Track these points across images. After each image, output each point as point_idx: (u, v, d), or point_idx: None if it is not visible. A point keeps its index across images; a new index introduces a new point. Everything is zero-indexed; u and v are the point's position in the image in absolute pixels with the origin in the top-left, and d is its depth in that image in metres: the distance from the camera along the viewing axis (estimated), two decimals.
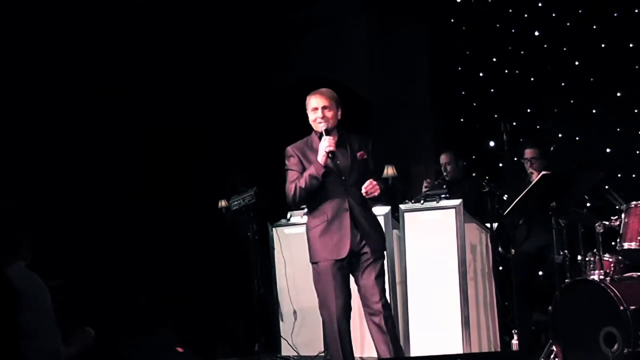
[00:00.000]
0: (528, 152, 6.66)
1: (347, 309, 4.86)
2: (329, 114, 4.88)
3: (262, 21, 8.32)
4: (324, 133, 4.82)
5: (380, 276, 4.85)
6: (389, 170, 7.40)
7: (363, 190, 4.76)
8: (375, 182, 4.79)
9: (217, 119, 7.88)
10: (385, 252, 4.99)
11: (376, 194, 4.79)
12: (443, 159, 7.24)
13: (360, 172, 4.89)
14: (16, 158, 6.59)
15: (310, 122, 4.94)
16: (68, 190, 6.82)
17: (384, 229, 5.26)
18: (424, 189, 6.75)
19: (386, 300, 4.87)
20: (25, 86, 6.75)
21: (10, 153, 6.55)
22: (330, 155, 4.79)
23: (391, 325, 4.83)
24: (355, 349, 6.03)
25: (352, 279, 4.93)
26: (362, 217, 4.86)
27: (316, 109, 4.89)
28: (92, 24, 7.13)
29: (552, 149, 6.49)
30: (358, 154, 4.91)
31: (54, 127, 6.88)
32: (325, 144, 4.79)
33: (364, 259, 4.85)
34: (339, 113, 4.94)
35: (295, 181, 4.87)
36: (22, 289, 3.98)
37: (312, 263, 4.95)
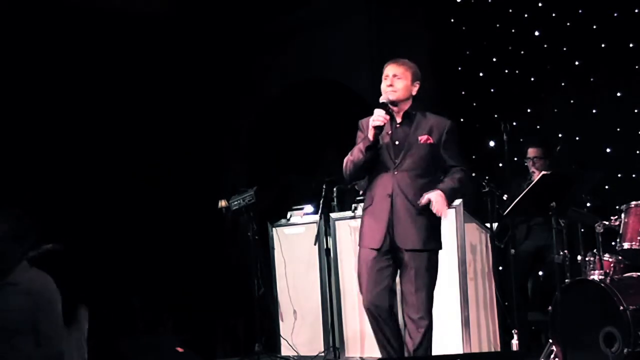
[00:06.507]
0: (531, 151, 6.66)
1: (379, 304, 4.36)
2: (399, 84, 4.45)
3: (262, 21, 8.32)
4: (383, 105, 4.37)
5: (420, 286, 4.34)
6: None
7: (420, 199, 4.31)
8: (441, 199, 4.28)
9: (217, 119, 7.88)
10: (430, 260, 4.41)
11: (437, 212, 4.28)
12: None
13: (418, 157, 4.43)
14: (15, 156, 6.59)
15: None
16: (68, 189, 6.82)
17: None
18: None
19: (423, 315, 4.39)
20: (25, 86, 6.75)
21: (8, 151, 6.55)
22: (376, 130, 4.34)
23: (420, 338, 4.42)
24: (355, 349, 6.07)
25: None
26: (404, 208, 4.36)
27: (387, 76, 4.47)
28: (91, 28, 7.14)
29: (557, 149, 6.48)
30: (421, 137, 4.45)
31: (53, 126, 6.87)
32: (374, 117, 4.34)
33: (405, 259, 4.38)
34: (415, 89, 4.50)
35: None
36: (36, 292, 3.86)
37: (359, 246, 4.51)
